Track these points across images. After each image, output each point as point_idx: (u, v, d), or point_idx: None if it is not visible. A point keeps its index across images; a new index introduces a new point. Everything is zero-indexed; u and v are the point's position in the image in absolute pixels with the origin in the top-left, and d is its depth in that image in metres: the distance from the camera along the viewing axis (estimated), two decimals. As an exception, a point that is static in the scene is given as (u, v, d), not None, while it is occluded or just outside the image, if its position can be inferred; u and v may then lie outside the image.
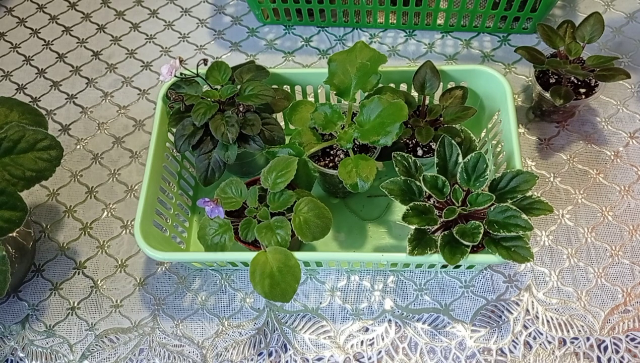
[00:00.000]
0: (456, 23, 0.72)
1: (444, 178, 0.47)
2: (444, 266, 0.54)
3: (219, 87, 0.52)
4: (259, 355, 0.53)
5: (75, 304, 0.57)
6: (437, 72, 0.54)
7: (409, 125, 0.55)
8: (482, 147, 0.59)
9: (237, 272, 0.57)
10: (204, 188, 0.63)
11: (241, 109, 0.49)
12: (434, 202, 0.49)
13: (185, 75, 0.52)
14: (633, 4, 0.73)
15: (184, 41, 0.74)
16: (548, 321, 0.53)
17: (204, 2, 0.78)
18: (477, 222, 0.45)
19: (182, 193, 0.60)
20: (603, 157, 0.62)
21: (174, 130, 0.51)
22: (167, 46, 0.74)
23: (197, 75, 0.52)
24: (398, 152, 0.49)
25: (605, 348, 0.52)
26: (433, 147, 0.56)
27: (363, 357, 0.53)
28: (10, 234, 0.54)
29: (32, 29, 0.77)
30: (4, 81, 0.73)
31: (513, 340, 0.52)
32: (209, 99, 0.51)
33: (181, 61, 0.49)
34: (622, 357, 0.51)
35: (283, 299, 0.46)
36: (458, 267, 0.54)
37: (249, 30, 0.75)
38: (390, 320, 0.54)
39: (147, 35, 0.75)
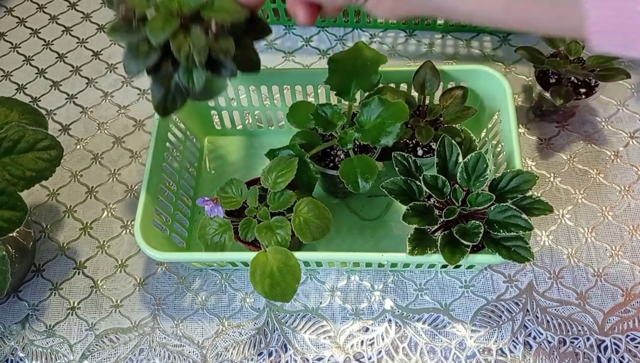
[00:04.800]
0: (456, 23, 0.71)
1: (444, 178, 0.47)
2: (444, 266, 0.54)
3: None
4: (259, 355, 0.53)
5: (75, 304, 0.57)
6: (437, 72, 0.54)
7: (409, 125, 0.55)
8: (482, 147, 0.59)
9: (237, 272, 0.57)
10: (204, 188, 0.63)
11: (213, 28, 0.38)
12: (434, 202, 0.49)
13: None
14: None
15: (184, 41, 0.74)
16: (548, 321, 0.53)
17: (204, 2, 0.77)
18: (477, 222, 0.45)
19: (182, 193, 0.60)
20: (603, 157, 0.62)
21: (122, 49, 0.40)
22: (167, 46, 0.74)
23: None
24: (398, 152, 0.49)
25: (605, 348, 0.52)
26: (433, 147, 0.56)
27: (363, 357, 0.53)
28: (10, 234, 0.54)
29: (32, 29, 0.77)
30: (4, 81, 0.73)
31: (513, 340, 0.52)
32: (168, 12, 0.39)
33: None
34: (622, 357, 0.51)
35: (283, 299, 0.46)
36: (458, 267, 0.54)
37: (249, 30, 0.74)
38: (390, 320, 0.54)
39: (147, 35, 0.75)
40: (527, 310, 0.54)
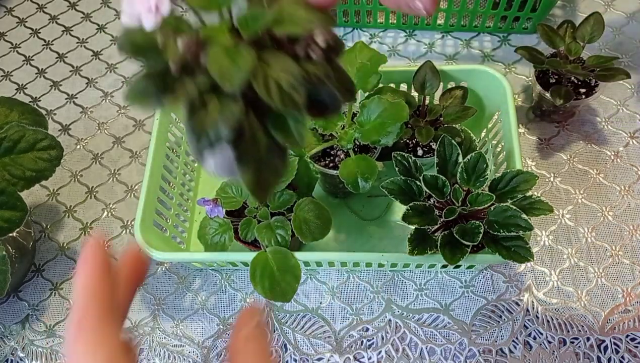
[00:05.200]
0: (456, 23, 0.72)
1: (444, 178, 0.47)
2: (444, 266, 0.54)
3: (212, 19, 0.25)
4: (259, 355, 0.53)
5: (75, 304, 0.57)
6: (437, 72, 0.54)
7: (409, 125, 0.55)
8: (482, 147, 0.59)
9: (237, 272, 0.57)
10: (204, 188, 0.63)
11: (320, 43, 0.23)
12: (434, 202, 0.49)
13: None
14: (633, 4, 0.73)
15: (184, 41, 0.74)
16: (548, 321, 0.53)
17: (204, 2, 0.77)
18: (477, 222, 0.45)
19: (182, 193, 0.60)
20: (603, 157, 0.62)
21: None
22: (167, 46, 0.74)
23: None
24: (398, 152, 0.49)
25: (606, 348, 0.52)
26: (433, 147, 0.56)
27: (363, 357, 0.53)
28: (10, 234, 0.54)
29: (32, 29, 0.77)
30: (4, 81, 0.73)
31: (513, 340, 0.52)
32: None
33: None
34: (622, 357, 0.51)
35: (283, 299, 0.46)
36: (458, 267, 0.54)
37: (249, 30, 0.74)
38: (390, 320, 0.54)
39: (147, 35, 0.75)
40: (527, 310, 0.54)
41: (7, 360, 0.54)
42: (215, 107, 0.20)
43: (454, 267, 0.54)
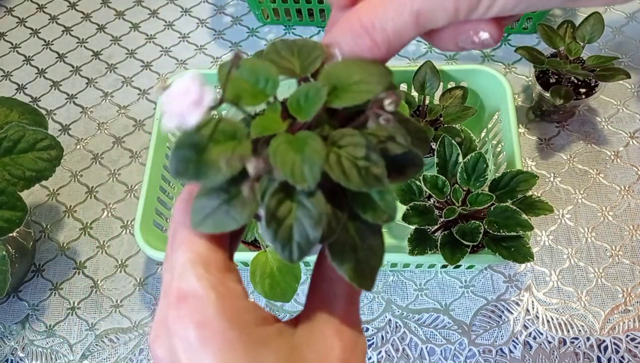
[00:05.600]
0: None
1: (444, 178, 0.47)
2: (444, 266, 0.54)
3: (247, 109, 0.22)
4: (259, 355, 0.53)
5: (75, 304, 0.57)
6: (437, 72, 0.54)
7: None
8: (482, 147, 0.59)
9: (237, 272, 0.57)
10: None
11: (379, 114, 0.18)
12: (434, 202, 0.49)
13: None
14: (633, 4, 0.73)
15: (184, 41, 0.74)
16: (548, 321, 0.53)
17: (204, 2, 0.77)
18: (477, 222, 0.45)
19: (182, 193, 0.60)
20: (603, 157, 0.62)
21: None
22: (167, 46, 0.74)
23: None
24: (398, 152, 0.49)
25: (606, 348, 0.52)
26: (433, 147, 0.56)
27: (363, 357, 0.53)
28: (10, 234, 0.54)
29: (32, 29, 0.77)
30: (4, 81, 0.73)
31: (513, 340, 0.52)
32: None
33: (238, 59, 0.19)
34: (622, 357, 0.51)
35: (283, 299, 0.46)
36: (458, 267, 0.54)
37: (249, 30, 0.74)
38: (390, 320, 0.54)
39: (147, 35, 0.75)
40: (527, 310, 0.54)
41: (7, 360, 0.54)
42: (294, 211, 0.18)
43: (454, 267, 0.54)
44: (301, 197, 0.18)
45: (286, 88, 0.20)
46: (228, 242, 0.21)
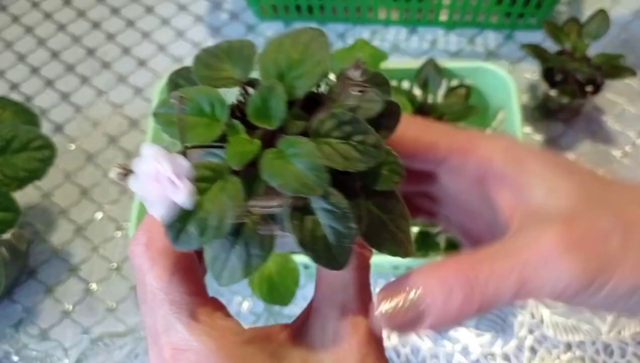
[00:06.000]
0: (459, 19, 0.70)
1: (447, 179, 0.46)
2: (447, 269, 0.53)
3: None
4: (258, 360, 0.52)
5: (70, 307, 0.56)
6: (440, 69, 0.53)
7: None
8: (485, 146, 0.58)
9: (235, 275, 0.56)
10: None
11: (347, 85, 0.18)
12: (437, 203, 0.47)
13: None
14: (639, 1, 0.72)
15: (180, 38, 0.73)
16: (554, 325, 0.52)
17: (201, -2, 0.76)
18: (482, 225, 0.44)
19: (179, 194, 0.59)
20: (609, 156, 0.61)
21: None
22: (163, 43, 0.73)
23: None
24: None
25: (612, 352, 0.51)
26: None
27: (364, 361, 0.51)
28: (3, 236, 0.53)
29: (26, 27, 0.76)
30: (-3, 79, 0.71)
31: (518, 345, 0.51)
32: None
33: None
34: (629, 361, 0.50)
35: (282, 303, 0.45)
36: (461, 269, 0.53)
37: (247, 26, 0.73)
38: (392, 324, 0.53)
39: (143, 32, 0.74)
40: (532, 314, 0.52)
41: (-1, 365, 0.53)
42: (319, 221, 0.17)
43: (457, 270, 0.53)
44: (319, 204, 0.17)
45: (225, 95, 0.18)
46: (198, 271, 0.19)
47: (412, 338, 0.52)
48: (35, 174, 0.49)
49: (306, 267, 0.53)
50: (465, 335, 0.52)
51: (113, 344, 0.53)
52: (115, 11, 0.76)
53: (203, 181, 0.17)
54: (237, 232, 0.17)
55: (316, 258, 0.17)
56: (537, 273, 0.17)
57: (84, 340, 0.54)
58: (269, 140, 0.18)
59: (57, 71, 0.71)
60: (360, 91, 0.17)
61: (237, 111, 0.18)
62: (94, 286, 0.56)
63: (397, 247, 0.19)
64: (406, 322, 0.18)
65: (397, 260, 0.47)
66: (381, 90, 0.19)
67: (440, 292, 0.17)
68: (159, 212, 0.15)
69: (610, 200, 0.19)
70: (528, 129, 0.63)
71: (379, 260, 0.49)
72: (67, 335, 0.54)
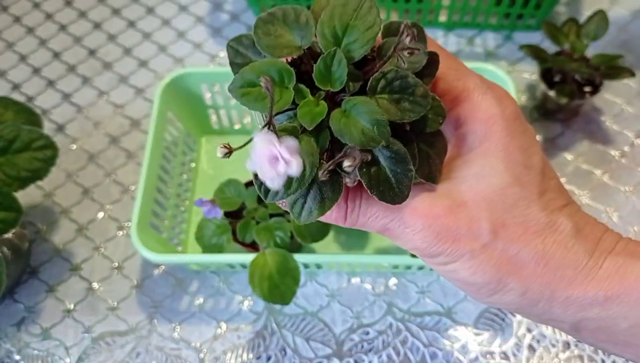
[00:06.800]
0: (459, 20, 0.70)
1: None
2: (446, 268, 0.53)
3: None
4: (258, 358, 0.52)
5: (71, 307, 0.56)
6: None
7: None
8: (485, 146, 0.58)
9: (236, 274, 0.56)
10: (202, 188, 0.62)
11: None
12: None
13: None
14: (637, 2, 0.72)
15: (181, 39, 0.73)
16: (552, 324, 0.52)
17: (202, -1, 0.76)
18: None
19: (180, 194, 0.59)
20: (608, 156, 0.61)
21: None
22: (164, 44, 0.73)
23: None
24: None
25: (611, 351, 0.51)
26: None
27: (364, 360, 0.52)
28: (6, 235, 0.53)
29: (27, 27, 0.76)
30: (-1, 80, 0.72)
31: (516, 343, 0.52)
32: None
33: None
34: (627, 360, 0.50)
35: (282, 302, 0.46)
36: (460, 269, 0.53)
37: (247, 27, 0.73)
38: (391, 324, 0.53)
39: (144, 33, 0.74)
40: (531, 313, 0.53)
41: (1, 364, 0.53)
42: (385, 166, 0.21)
43: (457, 269, 0.54)
44: (382, 152, 0.20)
45: None
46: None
47: (411, 337, 0.52)
48: (37, 174, 0.49)
49: (306, 266, 0.53)
50: (464, 334, 0.52)
51: (114, 343, 0.54)
52: (116, 12, 0.76)
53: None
54: (312, 179, 0.20)
55: (382, 196, 0.20)
56: (400, 231, 0.22)
57: (86, 339, 0.54)
58: (332, 100, 0.20)
59: (59, 71, 0.71)
60: (409, 54, 0.20)
61: (301, 75, 0.21)
62: (95, 285, 0.57)
63: (434, 175, 0.22)
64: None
65: (397, 260, 0.47)
66: (421, 41, 0.22)
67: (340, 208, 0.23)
68: (276, 184, 0.18)
69: (514, 211, 0.22)
70: (527, 129, 0.63)
71: (379, 260, 0.49)
72: (68, 334, 0.54)
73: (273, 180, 0.18)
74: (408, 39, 0.19)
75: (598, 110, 0.64)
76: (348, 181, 0.20)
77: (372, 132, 0.19)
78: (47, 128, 0.67)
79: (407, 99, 0.20)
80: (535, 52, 0.57)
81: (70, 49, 0.73)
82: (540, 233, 0.21)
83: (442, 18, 0.71)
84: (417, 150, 0.21)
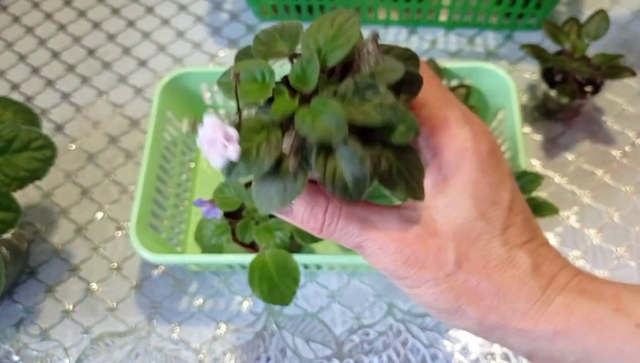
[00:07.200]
0: (459, 19, 0.70)
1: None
2: (446, 268, 0.53)
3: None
4: (257, 359, 0.52)
5: (70, 307, 0.56)
6: (440, 69, 0.53)
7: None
8: (485, 146, 0.58)
9: (235, 275, 0.56)
10: (201, 188, 0.62)
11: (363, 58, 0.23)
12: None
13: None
14: (638, 2, 0.72)
15: (180, 38, 0.73)
16: (553, 325, 0.52)
17: (201, -2, 0.76)
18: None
19: (179, 194, 0.59)
20: (609, 156, 0.60)
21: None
22: (163, 43, 0.73)
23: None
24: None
25: (612, 352, 0.51)
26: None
27: (364, 361, 0.51)
28: (4, 236, 0.53)
29: (27, 27, 0.76)
30: (-2, 79, 0.71)
31: (517, 344, 0.51)
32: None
33: None
34: None
35: (282, 302, 0.45)
36: (461, 269, 0.53)
37: (247, 27, 0.73)
38: (391, 325, 0.53)
39: (143, 32, 0.74)
40: (532, 314, 0.52)
41: (0, 365, 0.53)
42: (339, 163, 0.21)
43: (457, 270, 0.53)
44: (341, 151, 0.21)
45: (280, 67, 0.23)
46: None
47: (412, 338, 0.52)
48: (35, 174, 0.49)
49: (306, 266, 0.53)
50: (465, 335, 0.52)
51: (113, 344, 0.53)
52: (115, 11, 0.76)
53: (253, 131, 0.21)
54: (277, 172, 0.22)
55: (333, 191, 0.21)
56: (372, 251, 0.23)
57: (85, 340, 0.54)
58: (306, 101, 0.22)
59: (58, 71, 0.71)
60: (375, 62, 0.21)
61: (287, 80, 0.23)
62: (94, 286, 0.57)
63: (410, 191, 0.22)
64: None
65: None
66: (410, 63, 0.24)
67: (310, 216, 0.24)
68: (218, 163, 0.20)
69: (476, 246, 0.23)
70: (527, 129, 0.63)
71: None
72: (67, 335, 0.54)
73: (213, 159, 0.20)
74: (371, 47, 0.21)
75: (599, 110, 0.63)
76: (317, 177, 0.22)
77: (330, 127, 0.20)
78: (46, 128, 0.66)
79: (375, 106, 0.21)
80: (536, 51, 0.57)
81: (70, 48, 0.73)
82: (500, 267, 0.23)
83: (443, 17, 0.71)
84: (387, 165, 0.22)
